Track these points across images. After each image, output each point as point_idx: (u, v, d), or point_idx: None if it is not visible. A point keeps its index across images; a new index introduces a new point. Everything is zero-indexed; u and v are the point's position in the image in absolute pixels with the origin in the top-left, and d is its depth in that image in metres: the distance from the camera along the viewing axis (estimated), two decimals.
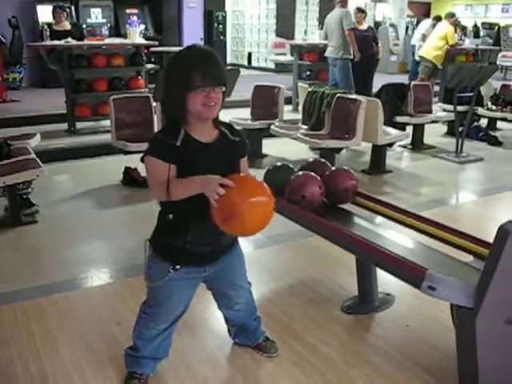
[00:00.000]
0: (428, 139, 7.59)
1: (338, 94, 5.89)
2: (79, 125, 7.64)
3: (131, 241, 4.11)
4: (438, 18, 11.21)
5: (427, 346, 2.77)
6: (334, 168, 3.37)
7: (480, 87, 7.30)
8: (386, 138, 5.89)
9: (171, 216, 2.13)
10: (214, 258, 2.25)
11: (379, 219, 3.22)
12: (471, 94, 6.94)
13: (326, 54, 8.77)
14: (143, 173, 5.47)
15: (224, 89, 2.05)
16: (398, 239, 2.83)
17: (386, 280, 3.05)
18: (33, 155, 4.73)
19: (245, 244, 3.87)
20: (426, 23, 12.34)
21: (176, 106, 2.05)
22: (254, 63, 15.91)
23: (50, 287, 3.36)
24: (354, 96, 5.90)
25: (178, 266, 2.18)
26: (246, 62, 16.16)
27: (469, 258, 2.63)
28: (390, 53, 14.60)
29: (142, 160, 2.08)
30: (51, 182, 5.57)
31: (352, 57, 8.71)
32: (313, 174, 3.15)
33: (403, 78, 11.44)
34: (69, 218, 4.63)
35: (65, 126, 7.59)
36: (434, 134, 8.15)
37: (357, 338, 2.87)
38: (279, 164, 3.50)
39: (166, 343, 2.40)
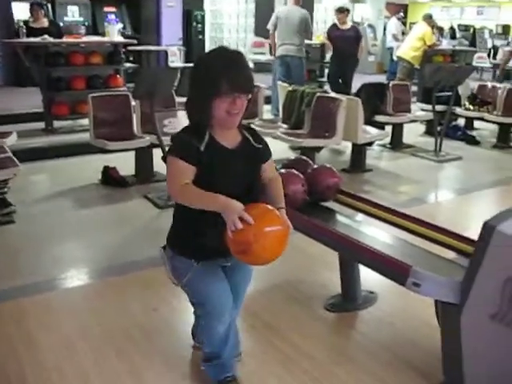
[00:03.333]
0: (407, 138, 7.63)
1: (318, 93, 5.89)
2: (57, 124, 7.50)
3: (111, 240, 4.06)
4: (403, 17, 11.42)
5: (410, 342, 2.78)
6: (316, 166, 3.37)
7: (458, 87, 7.36)
8: (366, 136, 5.91)
9: (188, 213, 2.04)
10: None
11: (362, 217, 3.21)
12: (449, 93, 6.99)
13: (286, 53, 8.63)
14: (122, 172, 5.45)
15: (250, 96, 2.01)
16: (381, 236, 2.84)
17: (368, 278, 3.05)
18: (9, 154, 4.63)
19: None
20: (393, 23, 12.45)
21: (201, 111, 2.00)
22: None
23: (29, 288, 3.30)
24: (333, 95, 5.91)
25: (197, 264, 2.12)
26: None
27: (451, 255, 2.64)
28: (368, 53, 14.67)
29: (164, 159, 2.04)
30: (29, 181, 5.48)
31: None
32: (295, 171, 3.13)
33: (381, 78, 11.49)
34: (47, 217, 4.56)
35: (42, 125, 7.46)
36: (413, 133, 8.20)
37: (341, 335, 2.87)
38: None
39: (234, 338, 2.32)
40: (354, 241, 2.61)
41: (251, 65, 14.23)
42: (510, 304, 2.00)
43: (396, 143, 7.43)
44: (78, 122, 7.63)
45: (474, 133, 8.35)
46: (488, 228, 2.05)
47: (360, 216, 3.22)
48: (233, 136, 2.10)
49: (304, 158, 3.54)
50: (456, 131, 8.13)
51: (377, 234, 2.86)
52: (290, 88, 6.39)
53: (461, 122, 8.61)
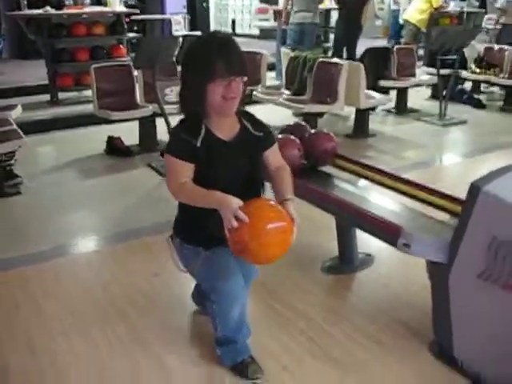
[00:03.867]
0: (412, 103, 7.60)
1: (320, 59, 5.87)
2: (62, 95, 7.56)
3: (115, 209, 4.14)
4: None
5: (404, 303, 2.84)
6: (313, 131, 3.40)
7: (463, 50, 7.28)
8: (369, 101, 5.91)
9: (190, 209, 2.04)
10: None
11: (358, 180, 3.24)
12: (454, 57, 6.93)
13: (303, 20, 8.58)
14: (126, 141, 5.50)
15: (246, 79, 1.98)
16: (376, 199, 2.87)
17: (366, 241, 3.10)
18: (14, 126, 4.69)
19: None
20: None
21: (196, 98, 1.97)
22: (239, 30, 15.72)
23: (35, 256, 3.39)
24: (335, 60, 5.89)
25: (206, 251, 2.14)
26: (230, 29, 15.97)
27: (446, 217, 2.68)
28: (375, 17, 14.45)
29: (162, 155, 2.06)
30: (35, 153, 5.57)
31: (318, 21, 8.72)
32: (292, 137, 3.17)
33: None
34: (53, 188, 4.64)
35: (47, 97, 7.51)
36: (419, 97, 8.17)
37: (337, 297, 2.94)
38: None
39: (246, 320, 2.29)
40: (347, 203, 2.66)
41: (256, 31, 14.15)
42: (496, 262, 2.05)
43: (401, 108, 7.40)
44: (83, 93, 7.68)
45: (480, 96, 8.28)
46: (474, 189, 2.08)
47: (357, 180, 3.25)
48: (230, 126, 2.08)
49: (301, 123, 3.57)
50: (462, 95, 8.06)
51: (371, 197, 2.90)
52: (292, 54, 6.37)
53: (468, 85, 8.55)
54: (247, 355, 2.29)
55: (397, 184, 2.96)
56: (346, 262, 3.17)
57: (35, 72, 8.35)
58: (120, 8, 7.86)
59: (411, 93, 7.70)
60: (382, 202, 2.84)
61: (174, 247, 2.23)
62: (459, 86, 8.18)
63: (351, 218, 2.71)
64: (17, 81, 8.35)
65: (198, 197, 1.96)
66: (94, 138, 5.83)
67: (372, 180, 3.14)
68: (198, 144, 1.99)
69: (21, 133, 4.50)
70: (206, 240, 2.12)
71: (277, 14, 9.61)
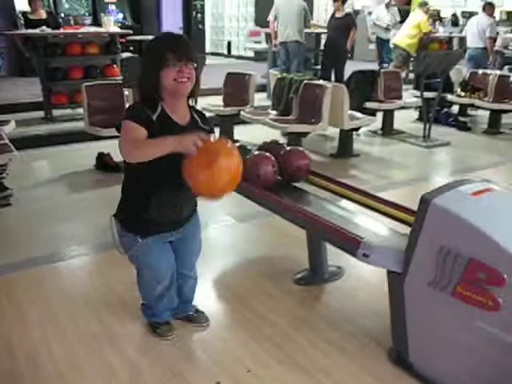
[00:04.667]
0: (399, 125, 7.80)
1: (305, 81, 6.07)
2: (56, 112, 7.74)
3: (101, 221, 4.21)
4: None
5: (371, 313, 2.97)
6: (288, 148, 3.56)
7: (447, 73, 7.50)
8: (352, 122, 6.08)
9: (134, 189, 2.35)
10: (178, 226, 2.48)
11: (328, 195, 3.39)
12: (438, 80, 7.13)
13: (285, 39, 8.92)
14: (116, 158, 5.65)
15: (195, 65, 2.25)
16: (342, 213, 3.02)
17: (337, 254, 3.23)
18: (6, 140, 4.85)
19: (213, 224, 4.08)
20: (381, 12, 12.27)
21: (151, 83, 2.24)
22: (234, 52, 16.01)
23: (21, 264, 3.52)
24: (320, 82, 6.08)
25: (142, 239, 2.40)
26: (225, 51, 16.26)
27: (406, 229, 2.82)
28: (368, 41, 14.74)
29: (118, 130, 2.24)
30: (27, 167, 5.72)
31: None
32: (266, 153, 3.33)
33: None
34: (42, 200, 4.78)
35: (42, 113, 7.70)
36: (406, 120, 8.38)
37: (305, 306, 3.06)
38: (237, 145, 3.68)
39: (174, 296, 2.66)
40: (313, 216, 2.81)
41: (251, 53, 14.42)
42: (444, 270, 2.19)
43: (387, 129, 7.59)
44: (76, 110, 7.84)
45: (467, 119, 8.48)
46: (424, 201, 2.24)
47: (326, 194, 3.39)
48: (183, 112, 2.33)
49: (278, 141, 3.73)
50: (447, 117, 8.28)
51: (337, 211, 3.05)
52: (279, 75, 6.57)
53: (456, 108, 8.76)
54: (162, 320, 2.70)
55: (363, 199, 3.13)
56: (316, 273, 3.31)
57: (30, 89, 8.55)
58: (114, 29, 8.07)
59: (398, 115, 7.91)
60: (347, 215, 2.99)
61: (116, 231, 2.44)
62: (445, 109, 8.40)
63: (317, 230, 2.86)
64: (12, 97, 8.53)
65: (153, 146, 2.13)
66: (85, 154, 5.98)
67: (341, 195, 3.30)
68: (154, 118, 2.22)
69: (12, 147, 4.65)
70: (143, 226, 2.39)
71: (268, 36, 9.89)
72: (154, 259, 2.48)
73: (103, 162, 5.62)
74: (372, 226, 2.85)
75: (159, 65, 2.20)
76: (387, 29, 11.67)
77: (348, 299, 3.13)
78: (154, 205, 2.33)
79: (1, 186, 4.78)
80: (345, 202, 3.25)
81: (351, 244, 2.53)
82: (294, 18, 8.76)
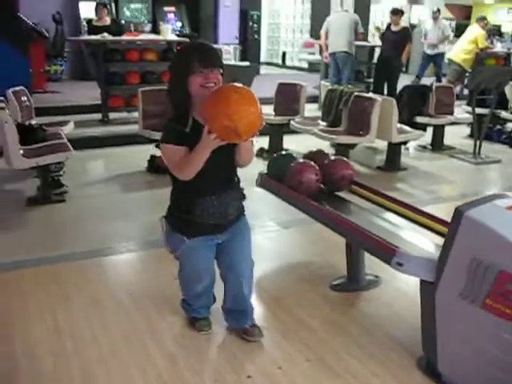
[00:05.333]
0: (450, 140, 7.74)
1: (356, 93, 6.14)
2: (113, 115, 8.05)
3: (150, 220, 4.42)
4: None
5: (405, 322, 3.00)
6: (332, 158, 3.64)
7: (501, 90, 7.40)
8: (400, 136, 6.10)
9: (180, 193, 2.50)
10: (223, 229, 2.58)
11: (370, 206, 3.45)
12: (491, 96, 7.06)
13: (334, 50, 9.04)
14: None
15: (222, 71, 2.37)
16: (381, 222, 3.10)
17: (375, 263, 3.29)
18: (64, 140, 5.12)
19: (257, 229, 4.19)
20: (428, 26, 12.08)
21: (179, 90, 2.37)
22: (289, 62, 16.18)
23: (69, 256, 3.74)
24: (369, 95, 6.13)
25: (188, 240, 2.54)
26: (280, 61, 16.45)
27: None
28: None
29: (158, 146, 2.42)
30: (83, 167, 6.01)
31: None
32: (311, 162, 3.43)
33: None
34: (95, 198, 5.04)
35: (99, 116, 8.02)
36: (458, 135, 8.30)
37: (340, 312, 3.13)
38: (283, 153, 3.82)
39: (212, 294, 2.82)
40: (351, 224, 2.89)
41: (306, 64, 14.54)
42: (473, 282, 2.23)
43: (436, 144, 7.56)
44: (132, 114, 8.13)
45: None
46: (458, 213, 2.29)
47: (369, 205, 3.46)
48: None
49: (323, 150, 3.81)
50: (500, 135, 8.16)
51: (376, 220, 3.12)
52: (330, 87, 6.66)
53: (510, 125, 8.62)
54: (201, 315, 2.83)
55: (403, 210, 3.19)
56: (353, 281, 3.37)
57: (90, 92, 8.91)
58: (171, 37, 8.34)
59: (450, 130, 7.84)
60: (386, 225, 3.06)
61: (165, 231, 2.60)
62: (498, 126, 8.28)
63: (354, 237, 2.94)
64: (73, 100, 8.92)
65: (193, 163, 2.31)
66: (138, 157, 6.21)
67: (383, 206, 3.37)
68: (188, 130, 2.36)
69: (69, 146, 4.91)
70: (188, 228, 2.52)
71: (320, 48, 10.04)
72: (197, 259, 2.61)
73: (155, 165, 5.83)
74: (409, 236, 2.91)
75: (185, 72, 2.32)
76: (434, 45, 11.52)
77: (383, 307, 3.18)
78: (197, 208, 2.47)
79: (57, 183, 5.05)
80: (385, 213, 3.31)
81: (386, 252, 2.60)
82: (344, 30, 8.91)
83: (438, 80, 11.24)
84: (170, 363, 2.58)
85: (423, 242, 2.84)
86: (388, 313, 3.12)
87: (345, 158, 3.74)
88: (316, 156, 3.65)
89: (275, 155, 3.77)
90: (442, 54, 11.60)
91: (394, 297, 3.30)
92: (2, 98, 5.48)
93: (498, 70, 7.93)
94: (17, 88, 5.67)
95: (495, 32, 15.00)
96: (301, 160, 3.52)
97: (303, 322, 2.98)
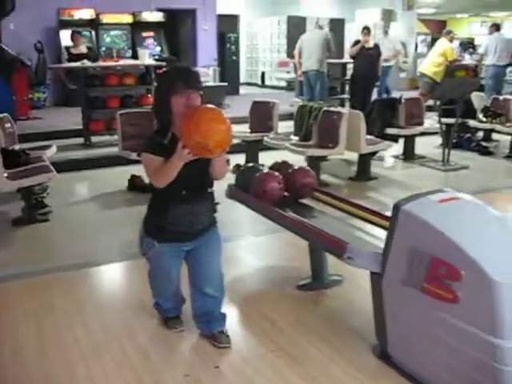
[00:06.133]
0: (422, 150, 8.03)
1: (324, 108, 6.44)
2: (95, 139, 8.29)
3: (131, 234, 4.66)
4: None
5: (364, 316, 3.22)
6: (295, 167, 3.91)
7: (465, 99, 7.73)
8: (369, 147, 6.39)
9: (156, 200, 2.75)
10: (191, 238, 2.79)
11: (328, 209, 3.71)
12: (453, 106, 7.39)
13: (306, 69, 9.41)
14: (145, 179, 6.10)
15: (202, 93, 2.62)
16: (335, 223, 3.36)
17: (340, 264, 3.54)
18: (47, 162, 5.36)
19: (230, 241, 4.41)
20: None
21: (163, 109, 2.61)
22: (268, 82, 16.54)
23: (54, 269, 3.97)
24: (337, 109, 6.44)
25: (159, 244, 2.77)
26: (259, 81, 16.81)
27: None
28: (399, 70, 15.04)
29: (139, 155, 2.68)
30: (66, 188, 6.23)
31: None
32: (273, 171, 3.69)
33: (413, 94, 11.83)
34: (78, 217, 5.28)
35: (81, 140, 8.27)
36: (430, 145, 8.57)
37: (304, 309, 3.36)
38: (249, 165, 4.08)
39: (180, 295, 3.05)
40: (307, 225, 3.15)
41: (283, 83, 14.89)
42: (412, 269, 2.49)
43: (408, 154, 7.85)
44: (114, 137, 8.37)
45: (491, 144, 8.66)
46: (395, 208, 2.56)
47: (327, 209, 3.72)
48: None
49: (287, 161, 4.08)
50: (470, 143, 8.48)
51: (334, 222, 3.39)
52: (301, 103, 6.96)
53: (480, 134, 8.95)
54: (172, 315, 3.07)
55: (360, 212, 3.45)
56: (318, 280, 3.62)
57: (73, 118, 9.14)
58: (148, 61, 8.65)
59: (422, 140, 8.16)
60: (341, 224, 3.33)
61: (140, 234, 2.84)
62: (468, 135, 8.61)
63: (312, 238, 3.20)
64: (56, 125, 9.15)
65: (167, 171, 2.54)
66: (119, 177, 6.44)
67: (343, 210, 3.63)
68: (166, 142, 2.60)
69: (52, 168, 5.15)
70: (160, 232, 2.75)
71: (294, 67, 10.40)
72: (164, 264, 2.84)
73: (134, 184, 6.08)
74: (362, 234, 3.17)
75: (169, 92, 2.55)
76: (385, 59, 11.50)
77: (344, 303, 3.43)
78: (170, 214, 2.68)
79: (41, 204, 5.28)
80: (342, 215, 3.57)
81: (338, 248, 2.85)
82: (315, 49, 9.34)
83: (386, 91, 11.59)
84: (144, 358, 2.81)
85: (373, 238, 3.10)
86: (348, 307, 3.37)
87: (306, 167, 4.02)
88: (281, 166, 3.92)
89: (242, 168, 4.04)
90: (390, 67, 11.88)
91: (354, 293, 3.54)
92: None
93: (461, 81, 8.28)
94: (0, 115, 5.90)
95: (468, 45, 15.45)
96: (265, 170, 3.79)
97: (268, 318, 3.22)
